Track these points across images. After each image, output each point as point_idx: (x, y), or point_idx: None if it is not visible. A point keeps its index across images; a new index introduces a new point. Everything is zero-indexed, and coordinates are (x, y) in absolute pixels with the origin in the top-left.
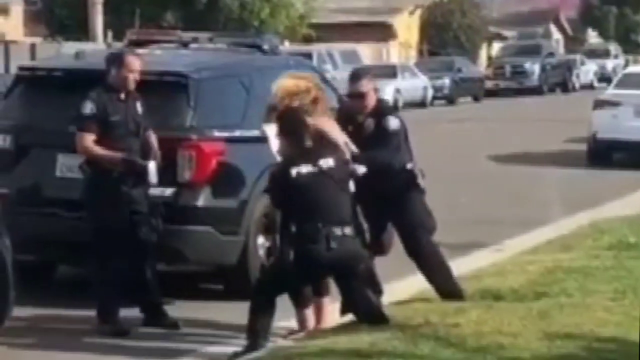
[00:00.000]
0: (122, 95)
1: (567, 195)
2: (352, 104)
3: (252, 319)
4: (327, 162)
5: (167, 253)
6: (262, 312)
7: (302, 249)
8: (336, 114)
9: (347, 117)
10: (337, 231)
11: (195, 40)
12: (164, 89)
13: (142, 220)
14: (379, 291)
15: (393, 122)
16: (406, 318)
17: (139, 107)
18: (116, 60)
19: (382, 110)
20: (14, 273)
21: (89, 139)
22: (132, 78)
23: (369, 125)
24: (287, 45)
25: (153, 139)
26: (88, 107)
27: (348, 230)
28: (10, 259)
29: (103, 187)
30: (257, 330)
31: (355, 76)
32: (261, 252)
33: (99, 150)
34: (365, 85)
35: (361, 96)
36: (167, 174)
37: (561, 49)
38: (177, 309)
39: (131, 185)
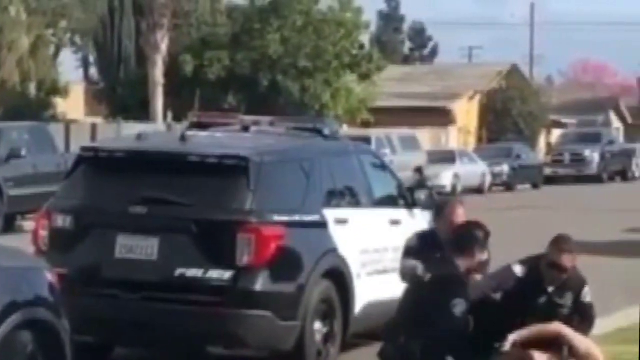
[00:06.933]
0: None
1: (627, 286)
2: (547, 273)
3: None
4: None
5: (225, 337)
6: None
7: None
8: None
9: (534, 283)
10: None
11: (256, 123)
12: (224, 171)
13: None
14: None
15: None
16: None
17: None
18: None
19: (583, 283)
20: (71, 354)
21: None
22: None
23: (567, 300)
24: (345, 129)
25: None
26: (519, 270)
27: None
28: (68, 340)
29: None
30: None
31: (560, 249)
32: (318, 337)
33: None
34: (571, 261)
35: (562, 270)
36: (226, 257)
37: (621, 138)
38: None
39: None
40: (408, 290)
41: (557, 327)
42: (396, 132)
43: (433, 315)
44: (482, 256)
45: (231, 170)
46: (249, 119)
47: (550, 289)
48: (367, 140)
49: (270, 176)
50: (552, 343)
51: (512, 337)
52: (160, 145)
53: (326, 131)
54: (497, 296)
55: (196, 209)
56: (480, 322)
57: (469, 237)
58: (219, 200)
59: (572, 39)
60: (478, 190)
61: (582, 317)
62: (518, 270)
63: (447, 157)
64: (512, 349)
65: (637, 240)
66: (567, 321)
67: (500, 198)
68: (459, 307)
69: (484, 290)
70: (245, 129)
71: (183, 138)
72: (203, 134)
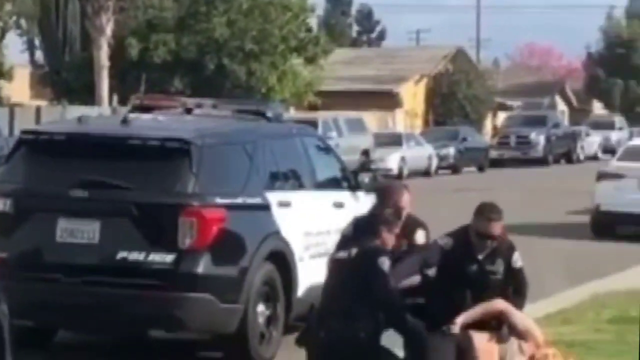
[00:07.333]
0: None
1: (569, 268)
2: (477, 242)
3: None
4: None
5: (167, 320)
6: None
7: None
8: (451, 242)
9: (463, 252)
10: None
11: (199, 106)
12: (166, 154)
13: None
14: None
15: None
16: None
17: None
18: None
19: (512, 248)
20: (11, 338)
21: None
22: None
23: (498, 266)
24: (292, 113)
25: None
26: (444, 242)
27: None
28: (8, 325)
29: None
30: None
31: (488, 218)
32: (260, 320)
33: None
34: (500, 228)
35: (492, 238)
36: (168, 241)
37: (566, 120)
38: None
39: None
40: (332, 275)
41: (499, 304)
42: (343, 115)
43: (363, 286)
44: (392, 235)
45: (173, 153)
46: (191, 101)
47: (480, 257)
48: (313, 123)
49: (212, 159)
50: (492, 321)
51: (460, 319)
52: (102, 128)
53: (269, 114)
54: (432, 272)
55: (138, 192)
56: (425, 307)
57: (373, 217)
58: (161, 183)
59: (519, 23)
60: (425, 173)
61: (516, 284)
62: (443, 242)
63: (393, 140)
64: (460, 331)
65: (580, 222)
66: (502, 290)
67: (446, 180)
68: (385, 264)
69: (416, 267)
70: (188, 111)
71: (125, 121)
72: (145, 116)
